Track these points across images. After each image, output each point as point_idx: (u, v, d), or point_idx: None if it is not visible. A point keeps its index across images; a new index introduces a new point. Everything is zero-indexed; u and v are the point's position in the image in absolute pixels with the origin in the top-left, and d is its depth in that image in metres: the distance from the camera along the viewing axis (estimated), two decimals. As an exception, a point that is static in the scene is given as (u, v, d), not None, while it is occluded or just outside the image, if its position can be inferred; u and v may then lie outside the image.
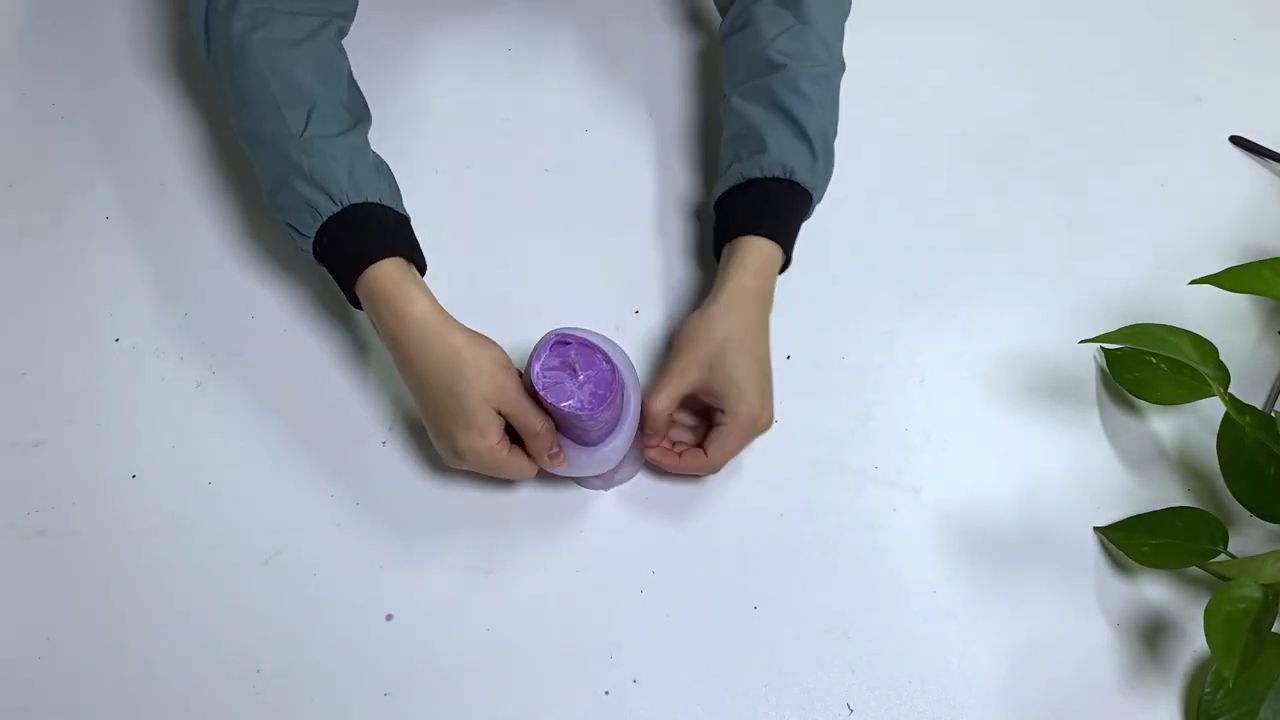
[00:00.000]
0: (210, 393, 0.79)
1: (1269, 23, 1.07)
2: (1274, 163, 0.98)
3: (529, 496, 0.76)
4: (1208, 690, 0.72)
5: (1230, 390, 0.75)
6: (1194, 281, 0.75)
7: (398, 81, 0.93)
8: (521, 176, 0.90)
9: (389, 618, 0.72)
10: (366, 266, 0.72)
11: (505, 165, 0.90)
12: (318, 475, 0.76)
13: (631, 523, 0.77)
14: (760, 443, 0.80)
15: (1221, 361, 0.76)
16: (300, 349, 0.81)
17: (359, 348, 0.81)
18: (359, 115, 0.78)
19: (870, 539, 0.78)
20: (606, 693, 0.71)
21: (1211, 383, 0.73)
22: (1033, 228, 0.92)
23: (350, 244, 0.73)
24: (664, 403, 0.73)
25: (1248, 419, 0.72)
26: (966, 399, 0.84)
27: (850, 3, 0.86)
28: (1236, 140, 0.99)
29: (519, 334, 0.81)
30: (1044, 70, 1.01)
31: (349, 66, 0.80)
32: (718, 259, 0.80)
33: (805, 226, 0.88)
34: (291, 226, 0.74)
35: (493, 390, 0.70)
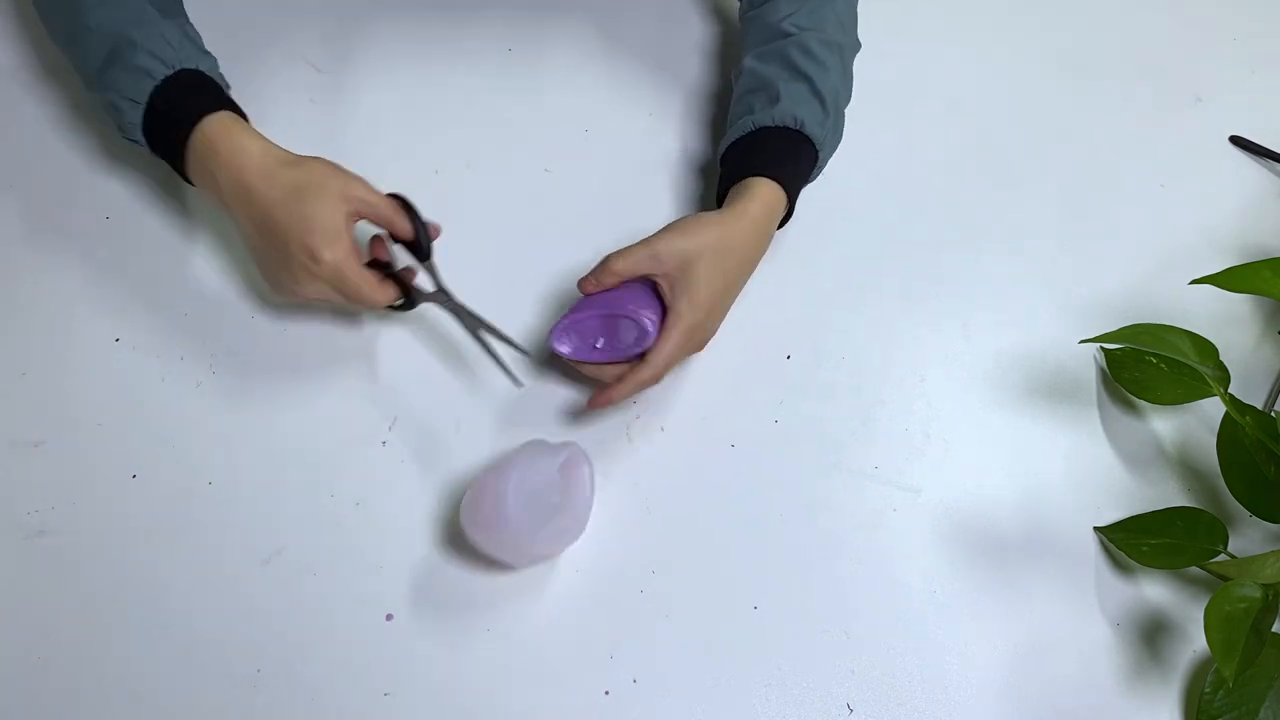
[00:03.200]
0: (210, 393, 0.79)
1: (1269, 23, 1.07)
2: (1274, 163, 0.98)
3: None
4: (1208, 690, 0.72)
5: (1230, 390, 0.75)
6: (1194, 281, 0.75)
7: (397, 81, 0.93)
8: (521, 176, 0.90)
9: (389, 618, 0.72)
10: (200, 119, 0.71)
11: (505, 165, 0.90)
12: (318, 475, 0.76)
13: (631, 523, 0.77)
14: (760, 442, 0.80)
15: (1221, 361, 0.76)
16: (300, 349, 0.81)
17: (359, 348, 0.81)
18: (181, 10, 0.79)
19: (870, 539, 0.78)
20: (606, 693, 0.71)
21: (1211, 383, 0.73)
22: (1033, 228, 0.92)
23: (184, 103, 0.72)
24: (623, 265, 0.74)
25: (1248, 419, 0.72)
26: (966, 399, 0.84)
27: None
28: (1236, 140, 0.99)
29: (516, 334, 0.81)
30: (1044, 70, 1.02)
31: None
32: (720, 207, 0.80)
33: (805, 227, 0.88)
34: (121, 101, 0.73)
35: (341, 193, 0.69)
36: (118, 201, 0.86)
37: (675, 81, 0.96)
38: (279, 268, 0.72)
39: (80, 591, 0.72)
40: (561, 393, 0.81)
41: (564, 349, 0.75)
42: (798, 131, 0.79)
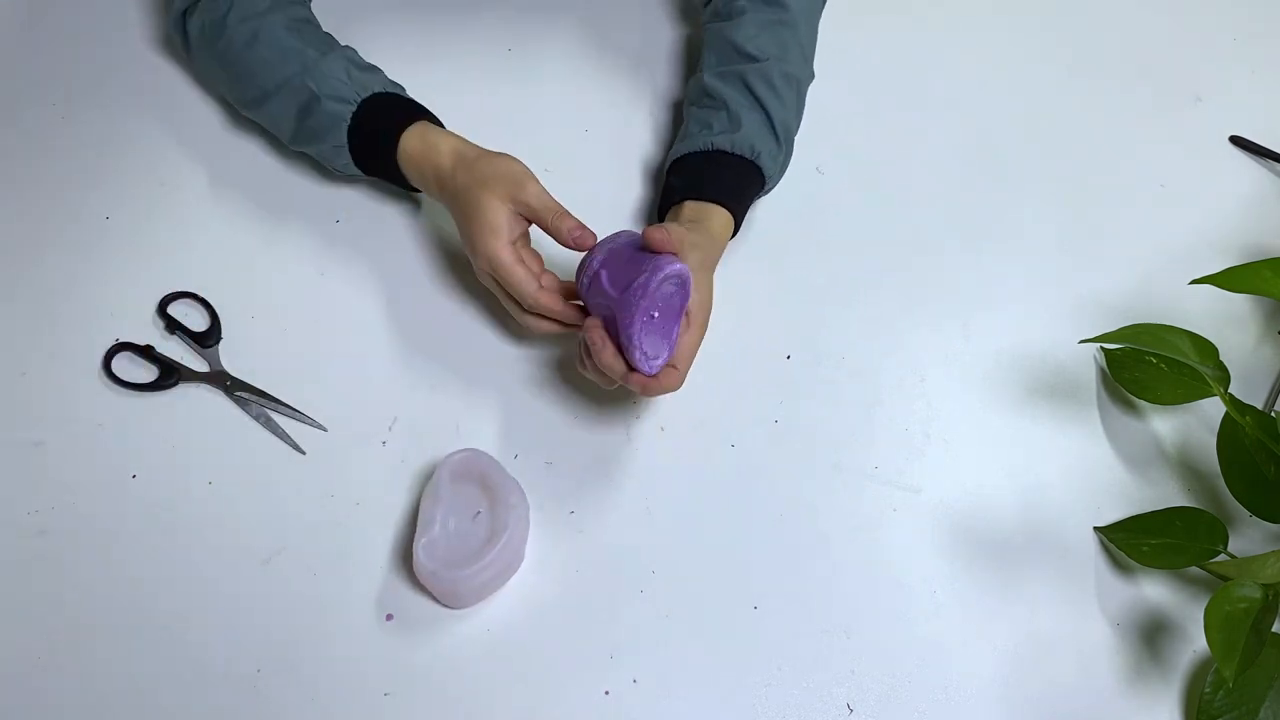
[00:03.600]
0: (210, 392, 0.79)
1: (1269, 23, 1.07)
2: (1274, 163, 0.98)
3: (529, 495, 0.76)
4: (1208, 690, 0.72)
5: (1230, 390, 0.75)
6: (1194, 281, 0.75)
7: (398, 81, 0.93)
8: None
9: (389, 618, 0.72)
10: (397, 141, 0.79)
11: (505, 165, 0.90)
12: (318, 475, 0.76)
13: (631, 523, 0.77)
14: (761, 442, 0.80)
15: (1221, 361, 0.76)
16: (300, 348, 0.81)
17: (359, 348, 0.81)
18: (333, 42, 0.85)
19: (870, 539, 0.78)
20: (606, 693, 0.71)
21: (1211, 383, 0.73)
22: (1033, 228, 0.92)
23: (379, 128, 0.80)
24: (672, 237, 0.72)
25: (1248, 419, 0.72)
26: (966, 399, 0.84)
27: (824, 4, 0.89)
28: (1236, 140, 0.99)
29: (515, 333, 0.81)
30: (1044, 70, 1.02)
31: (309, 14, 0.87)
32: (662, 214, 0.82)
33: (805, 227, 0.89)
34: (327, 150, 0.82)
35: (507, 187, 0.74)
36: (118, 201, 0.86)
37: (675, 81, 0.96)
38: (469, 249, 0.77)
39: (80, 591, 0.72)
40: (557, 395, 0.81)
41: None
42: (752, 162, 0.81)
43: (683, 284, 0.69)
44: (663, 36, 0.99)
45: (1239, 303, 0.90)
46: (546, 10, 0.98)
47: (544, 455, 0.78)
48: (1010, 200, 0.94)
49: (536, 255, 0.77)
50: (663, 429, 0.80)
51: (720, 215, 0.79)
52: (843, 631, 0.74)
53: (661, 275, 0.67)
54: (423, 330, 0.82)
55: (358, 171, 0.83)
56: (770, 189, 0.85)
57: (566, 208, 0.75)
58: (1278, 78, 1.03)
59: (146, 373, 0.79)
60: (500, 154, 0.77)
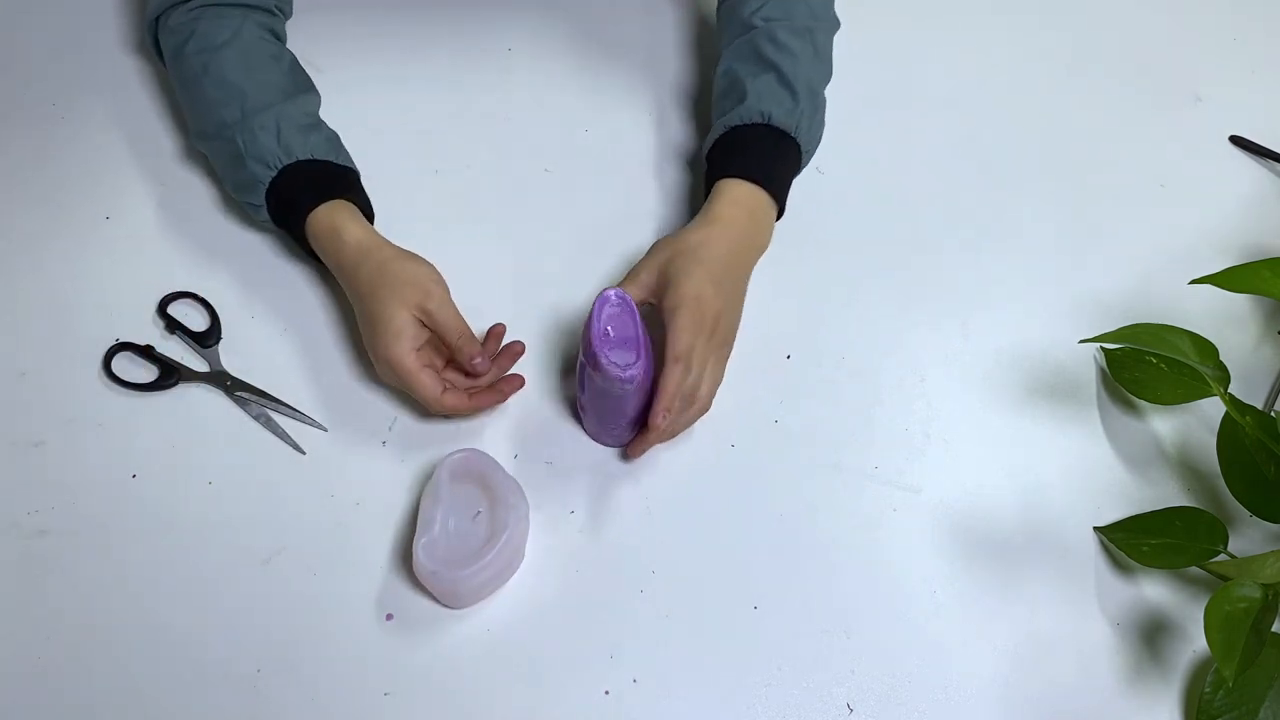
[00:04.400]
0: (210, 392, 0.79)
1: (1269, 23, 1.07)
2: (1274, 163, 0.98)
3: (529, 495, 0.76)
4: (1208, 690, 0.72)
5: (1230, 390, 0.75)
6: (1194, 281, 0.75)
7: (397, 81, 0.93)
8: (521, 176, 0.90)
9: (389, 618, 0.72)
10: (307, 214, 0.77)
11: (505, 165, 0.90)
12: (318, 475, 0.76)
13: (631, 522, 0.77)
14: (761, 442, 0.80)
15: (1221, 361, 0.76)
16: (300, 348, 0.81)
17: (359, 348, 0.81)
18: (290, 91, 0.82)
19: (870, 539, 0.78)
20: (606, 693, 0.71)
21: (1211, 382, 0.73)
22: (1032, 227, 0.92)
23: (292, 199, 0.78)
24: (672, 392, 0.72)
25: (1248, 419, 0.72)
26: (966, 399, 0.84)
27: None
28: (1236, 140, 0.99)
29: (518, 334, 0.81)
30: (1044, 70, 1.02)
31: (278, 50, 0.84)
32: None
33: (805, 226, 0.88)
34: (250, 204, 0.80)
35: (414, 295, 0.73)
36: (118, 201, 0.86)
37: (675, 81, 0.96)
38: (368, 346, 0.76)
39: (80, 591, 0.72)
40: (557, 395, 0.81)
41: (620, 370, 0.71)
42: (766, 125, 0.80)
43: (621, 300, 0.71)
44: (664, 36, 0.99)
45: (1239, 303, 0.90)
46: (546, 9, 0.98)
47: (544, 455, 0.78)
48: (1010, 200, 0.94)
49: (440, 353, 0.77)
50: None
51: (730, 192, 0.79)
52: (843, 631, 0.74)
53: (598, 306, 0.71)
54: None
55: (278, 231, 0.82)
56: (810, 147, 0.84)
57: (471, 330, 0.75)
58: (1278, 78, 1.03)
59: (146, 373, 0.79)
60: (412, 256, 0.76)
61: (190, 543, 0.74)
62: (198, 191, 0.87)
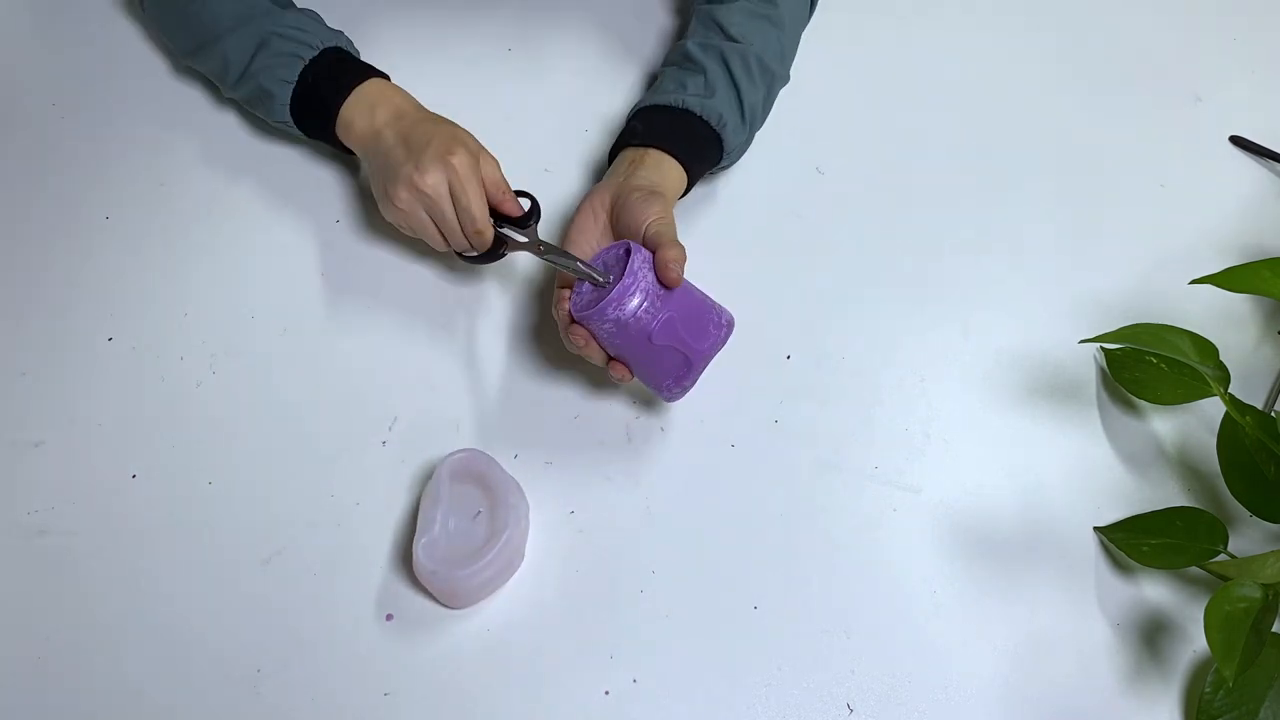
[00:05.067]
0: (210, 393, 0.79)
1: (1269, 23, 1.07)
2: (1274, 163, 0.98)
3: (529, 495, 0.76)
4: (1208, 690, 0.72)
5: (1230, 390, 0.75)
6: (1194, 281, 0.75)
7: (398, 81, 0.93)
8: (522, 176, 0.90)
9: (389, 618, 0.72)
10: (361, 82, 0.81)
11: (505, 165, 0.90)
12: (318, 475, 0.76)
13: (631, 523, 0.77)
14: (761, 442, 0.80)
15: (1221, 361, 0.76)
16: (300, 349, 0.81)
17: (359, 348, 0.81)
18: (299, 7, 0.86)
19: (870, 539, 0.78)
20: (606, 693, 0.71)
21: (1211, 382, 0.73)
22: (1033, 227, 0.92)
23: (339, 72, 0.81)
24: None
25: (1248, 419, 0.72)
26: (966, 399, 0.84)
27: (812, 14, 0.90)
28: (1236, 140, 0.99)
29: (517, 334, 0.81)
30: (1044, 70, 1.01)
31: None
32: (613, 155, 0.82)
33: (805, 227, 0.89)
34: (273, 84, 0.81)
35: (479, 149, 0.78)
36: (118, 202, 0.86)
37: (675, 81, 0.96)
38: (407, 163, 0.75)
39: (80, 591, 0.72)
40: (557, 395, 0.81)
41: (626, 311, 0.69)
42: (717, 132, 0.82)
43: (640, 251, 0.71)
44: (663, 36, 0.99)
45: (1239, 303, 0.90)
46: (546, 9, 0.98)
47: (544, 455, 0.78)
48: (1010, 200, 0.94)
49: None
50: (663, 429, 0.80)
51: (676, 171, 0.80)
52: (843, 631, 0.74)
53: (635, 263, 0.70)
54: (423, 330, 0.82)
55: (288, 118, 0.83)
56: (725, 166, 0.86)
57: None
58: (1278, 78, 1.03)
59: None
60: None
61: (190, 543, 0.74)
62: (199, 191, 0.87)
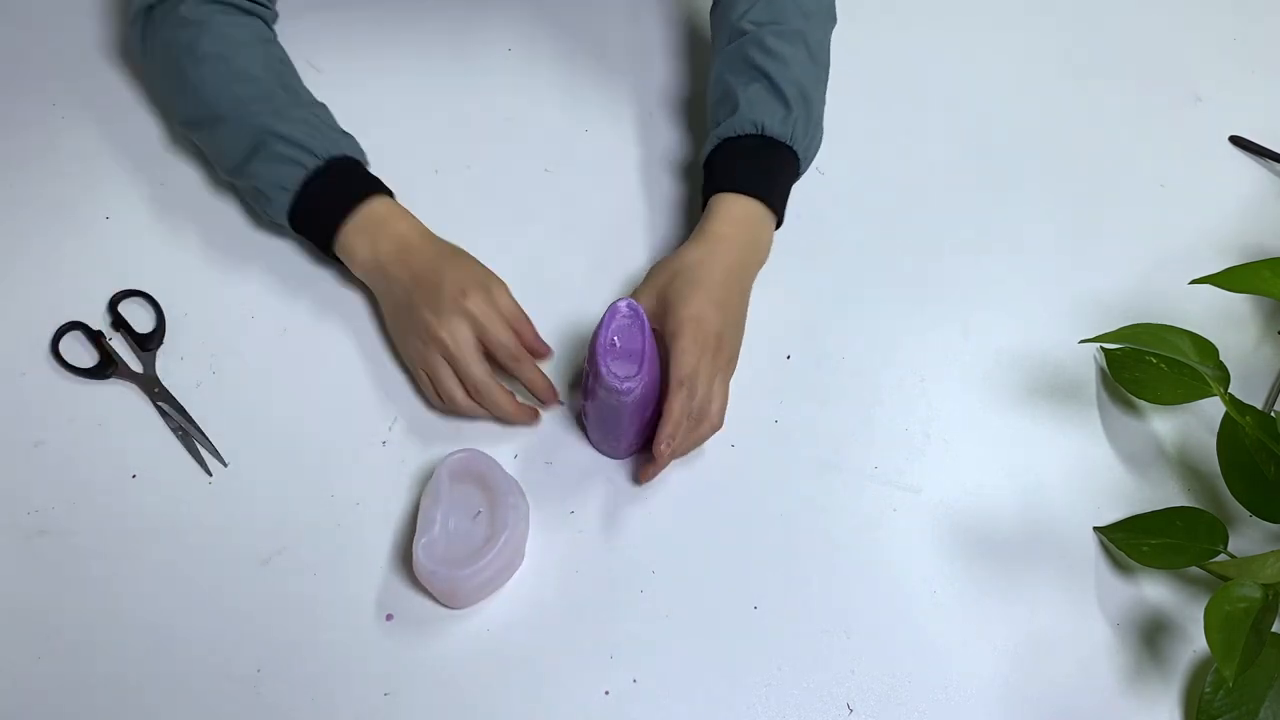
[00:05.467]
0: (210, 393, 0.79)
1: (1269, 23, 1.07)
2: (1274, 163, 0.98)
3: (529, 495, 0.76)
4: (1208, 690, 0.72)
5: (1230, 390, 0.75)
6: (1194, 281, 0.75)
7: (397, 81, 0.93)
8: (521, 176, 0.90)
9: (389, 618, 0.72)
10: (364, 200, 0.77)
11: (505, 165, 0.90)
12: (318, 475, 0.76)
13: (631, 522, 0.77)
14: (761, 442, 0.80)
15: (1221, 361, 0.76)
16: (300, 349, 0.81)
17: (359, 348, 0.81)
18: (311, 99, 0.82)
19: (870, 539, 0.78)
20: (606, 693, 0.71)
21: (1211, 382, 0.73)
22: (1033, 227, 0.92)
23: (342, 188, 0.78)
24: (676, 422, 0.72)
25: (1248, 419, 0.72)
26: (966, 399, 0.84)
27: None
28: (1236, 140, 0.99)
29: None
30: (1044, 70, 1.02)
31: (287, 57, 0.84)
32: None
33: (805, 227, 0.88)
34: (270, 189, 0.78)
35: (490, 282, 0.75)
36: (118, 201, 0.86)
37: (675, 81, 0.96)
38: (421, 310, 0.74)
39: (80, 591, 0.72)
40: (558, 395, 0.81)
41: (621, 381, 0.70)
42: (760, 136, 0.79)
43: (633, 312, 0.71)
44: (663, 36, 0.99)
45: (1239, 303, 0.90)
46: (546, 10, 0.98)
47: (544, 455, 0.78)
48: (1010, 200, 0.94)
49: None
50: (663, 429, 0.80)
51: (723, 208, 0.78)
52: (843, 631, 0.74)
53: (608, 315, 0.71)
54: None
55: (284, 221, 0.79)
56: (808, 153, 0.83)
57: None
58: (1278, 78, 1.03)
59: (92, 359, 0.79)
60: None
61: (190, 543, 0.74)
62: (199, 191, 0.87)
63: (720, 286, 0.75)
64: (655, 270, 0.78)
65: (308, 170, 0.77)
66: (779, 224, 0.82)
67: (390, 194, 0.80)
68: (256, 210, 0.82)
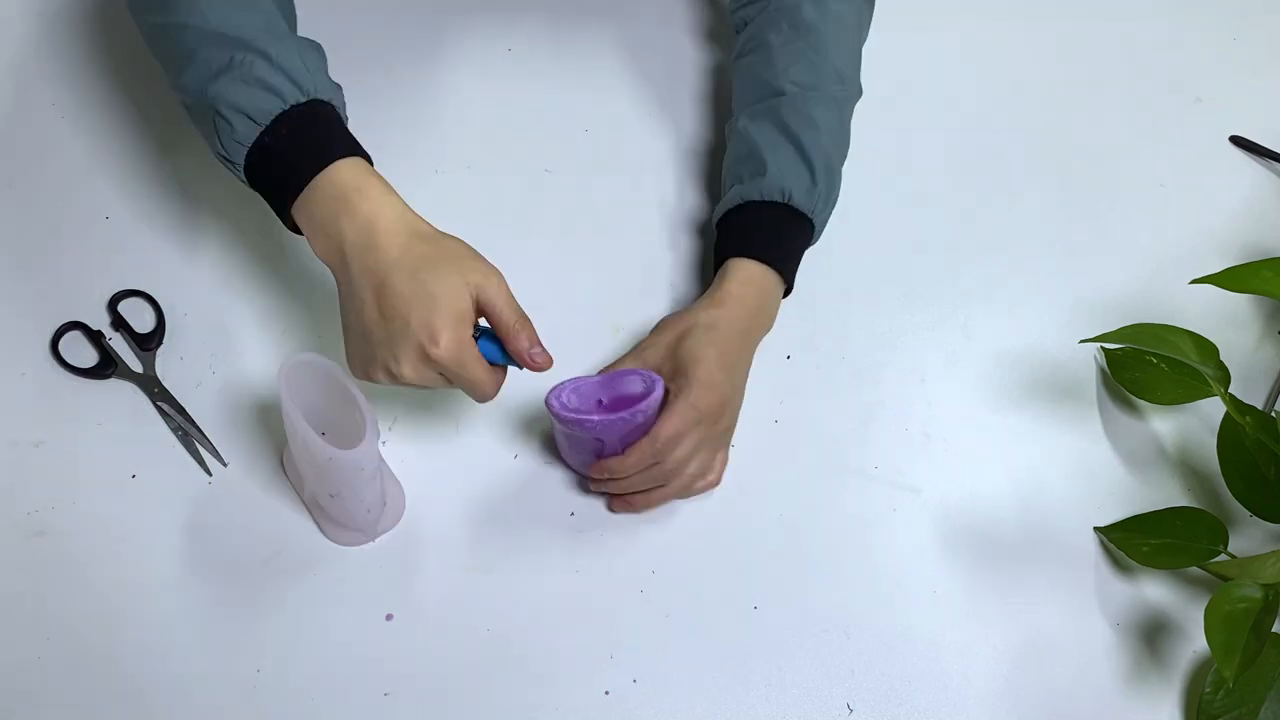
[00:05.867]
0: (210, 393, 0.79)
1: (1269, 23, 1.07)
2: (1274, 163, 0.98)
3: (529, 495, 0.76)
4: (1208, 690, 0.72)
5: (1230, 390, 0.75)
6: (1194, 281, 0.75)
7: (397, 81, 0.93)
8: (521, 176, 0.90)
9: (389, 618, 0.72)
10: (334, 160, 0.65)
11: (505, 165, 0.90)
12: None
13: (631, 523, 0.77)
14: (761, 442, 0.80)
15: (1221, 361, 0.76)
16: (300, 350, 0.81)
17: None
18: (310, 41, 0.72)
19: (870, 539, 0.78)
20: (606, 693, 0.71)
21: (1212, 382, 0.73)
22: (1033, 227, 0.92)
23: (312, 138, 0.66)
24: (634, 467, 0.71)
25: (1248, 419, 0.72)
26: (966, 399, 0.84)
27: (869, 25, 0.87)
28: (1236, 140, 0.99)
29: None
30: (1044, 70, 1.01)
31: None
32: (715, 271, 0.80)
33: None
34: (233, 114, 0.65)
35: (477, 275, 0.65)
36: (118, 201, 0.86)
37: (675, 81, 0.96)
38: (382, 345, 0.65)
39: (80, 591, 0.72)
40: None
41: (560, 405, 0.70)
42: (785, 205, 0.78)
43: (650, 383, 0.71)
44: (663, 36, 0.98)
45: (1239, 303, 0.90)
46: (547, 10, 0.98)
47: (544, 455, 0.78)
48: (1010, 200, 0.94)
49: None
50: (663, 429, 0.80)
51: (743, 272, 0.76)
52: (843, 631, 0.74)
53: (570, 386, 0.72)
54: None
55: (239, 159, 0.67)
56: (823, 220, 0.81)
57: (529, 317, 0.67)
58: (1278, 78, 1.03)
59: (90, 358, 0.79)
60: (450, 236, 0.68)
61: (189, 542, 0.74)
62: (199, 192, 0.87)
63: (732, 349, 0.74)
64: (665, 325, 0.77)
65: (285, 104, 0.65)
66: (788, 292, 0.80)
67: (368, 159, 0.68)
68: (205, 142, 0.69)
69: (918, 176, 0.94)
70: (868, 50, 0.88)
